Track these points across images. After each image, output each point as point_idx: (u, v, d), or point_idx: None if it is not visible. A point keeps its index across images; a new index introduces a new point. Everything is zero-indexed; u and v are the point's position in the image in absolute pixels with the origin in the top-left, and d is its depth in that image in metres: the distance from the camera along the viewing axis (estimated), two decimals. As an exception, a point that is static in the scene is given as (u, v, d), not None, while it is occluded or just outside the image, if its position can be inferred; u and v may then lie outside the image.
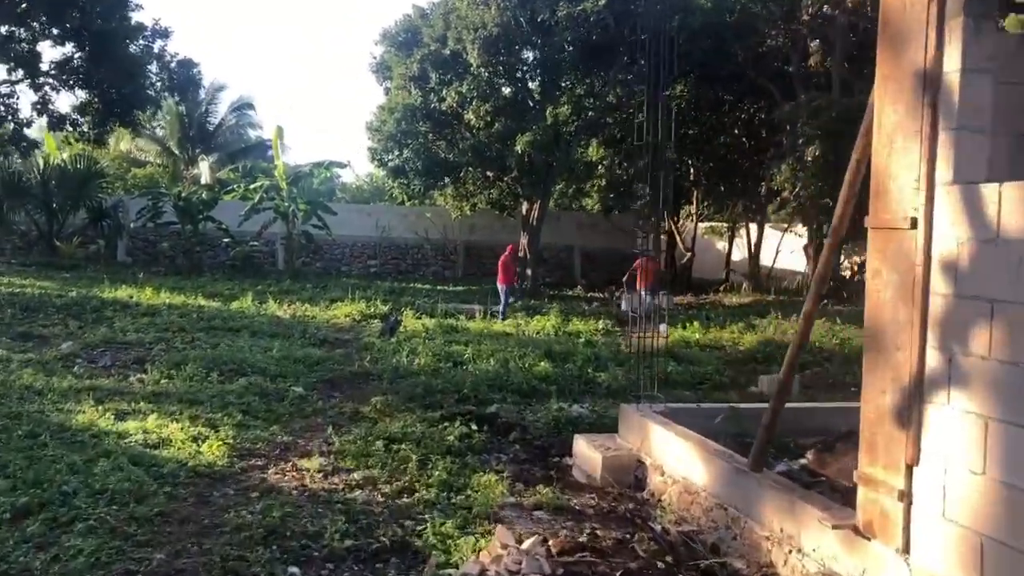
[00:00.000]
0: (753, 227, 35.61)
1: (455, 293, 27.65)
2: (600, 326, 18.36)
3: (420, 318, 19.40)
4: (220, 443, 7.49)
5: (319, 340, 14.61)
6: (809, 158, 22.65)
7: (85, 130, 28.03)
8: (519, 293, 27.62)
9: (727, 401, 9.09)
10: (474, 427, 8.01)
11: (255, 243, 31.50)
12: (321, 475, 6.92)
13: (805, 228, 33.18)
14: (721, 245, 37.60)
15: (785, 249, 33.80)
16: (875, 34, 4.88)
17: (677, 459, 6.49)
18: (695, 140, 32.59)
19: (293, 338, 14.91)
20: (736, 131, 33.13)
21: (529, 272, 28.74)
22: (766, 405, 5.94)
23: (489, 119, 25.97)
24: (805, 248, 30.46)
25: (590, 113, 27.58)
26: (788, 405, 5.94)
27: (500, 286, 21.32)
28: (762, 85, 27.10)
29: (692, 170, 33.65)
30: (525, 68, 28.01)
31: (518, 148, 25.35)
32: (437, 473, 6.89)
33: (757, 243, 31.90)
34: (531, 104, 28.03)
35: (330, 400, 9.87)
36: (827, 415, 7.56)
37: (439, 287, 29.71)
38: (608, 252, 36.11)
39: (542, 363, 11.49)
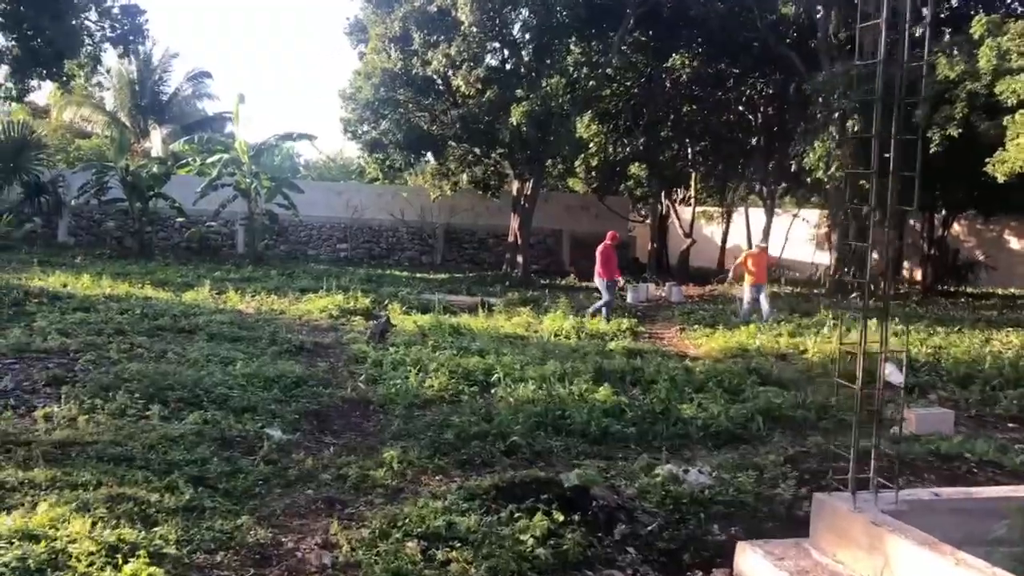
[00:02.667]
0: (753, 212, 33.15)
1: (437, 282, 24.74)
2: (624, 325, 15.57)
3: (409, 313, 16.53)
4: (151, 570, 4.44)
5: (294, 347, 11.63)
6: (848, 132, 20.04)
7: (5, 83, 24.25)
8: (510, 282, 24.81)
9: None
10: (559, 515, 5.15)
11: (212, 223, 28.23)
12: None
13: (817, 213, 30.88)
14: (709, 231, 34.97)
15: (786, 236, 31.34)
16: None
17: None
18: (694, 118, 29.95)
19: (261, 344, 11.92)
20: (741, 108, 30.53)
21: (520, 259, 25.87)
22: None
23: (480, 86, 22.98)
24: (827, 234, 27.97)
25: (591, 83, 24.72)
26: None
27: (600, 280, 18.04)
28: (782, 55, 24.40)
29: (689, 151, 30.96)
30: (517, 32, 25.01)
31: (512, 120, 22.42)
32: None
33: (766, 229, 29.28)
34: (523, 73, 25.09)
35: (322, 452, 6.93)
36: None
37: (418, 274, 26.83)
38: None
39: (600, 389, 8.65)
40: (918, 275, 27.74)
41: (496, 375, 9.42)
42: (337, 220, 31.32)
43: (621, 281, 17.43)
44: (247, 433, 7.21)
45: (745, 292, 17.75)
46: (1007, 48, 18.37)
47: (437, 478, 6.32)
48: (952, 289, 25.50)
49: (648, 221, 32.23)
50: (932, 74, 19.69)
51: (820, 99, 21.08)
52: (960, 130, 18.75)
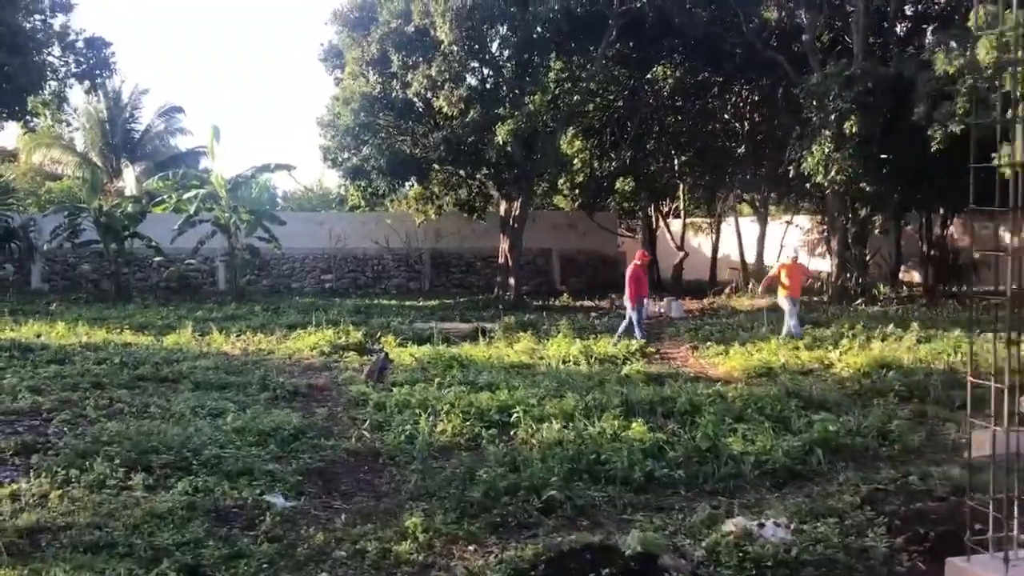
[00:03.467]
0: (744, 221, 32.53)
1: (428, 309, 23.87)
2: (634, 346, 14.77)
3: (405, 346, 15.67)
4: None
5: (288, 392, 10.74)
6: (846, 134, 19.42)
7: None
8: (503, 305, 23.98)
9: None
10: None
11: (191, 261, 27.30)
12: None
13: (812, 220, 30.27)
14: (697, 242, 34.21)
15: (781, 244, 30.71)
16: None
17: None
18: (679, 128, 29.34)
19: (251, 390, 11.03)
20: (726, 116, 29.95)
21: (512, 281, 25.05)
22: None
23: (463, 106, 22.23)
24: (819, 240, 27.34)
25: (575, 98, 24.04)
26: None
27: (629, 304, 16.21)
28: (769, 59, 23.82)
29: (676, 162, 30.30)
30: (498, 48, 24.31)
31: (499, 139, 21.67)
32: None
33: (760, 238, 28.65)
34: (505, 91, 24.41)
35: (333, 521, 6.04)
36: None
37: (407, 302, 25.94)
38: (586, 255, 32.69)
39: (633, 425, 7.80)
40: (915, 277, 27.17)
41: (516, 414, 8.55)
42: (320, 251, 30.44)
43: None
44: (245, 502, 6.32)
45: (786, 307, 16.25)
46: (1007, 40, 17.85)
47: (470, 548, 5.44)
48: (954, 290, 24.91)
49: (639, 236, 31.50)
50: (930, 70, 19.17)
51: (814, 102, 20.43)
52: (962, 126, 18.16)
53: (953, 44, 18.68)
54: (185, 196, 25.76)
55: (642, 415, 8.55)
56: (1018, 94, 14.83)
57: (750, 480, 6.67)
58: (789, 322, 15.86)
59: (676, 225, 32.70)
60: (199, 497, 6.33)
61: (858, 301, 22.08)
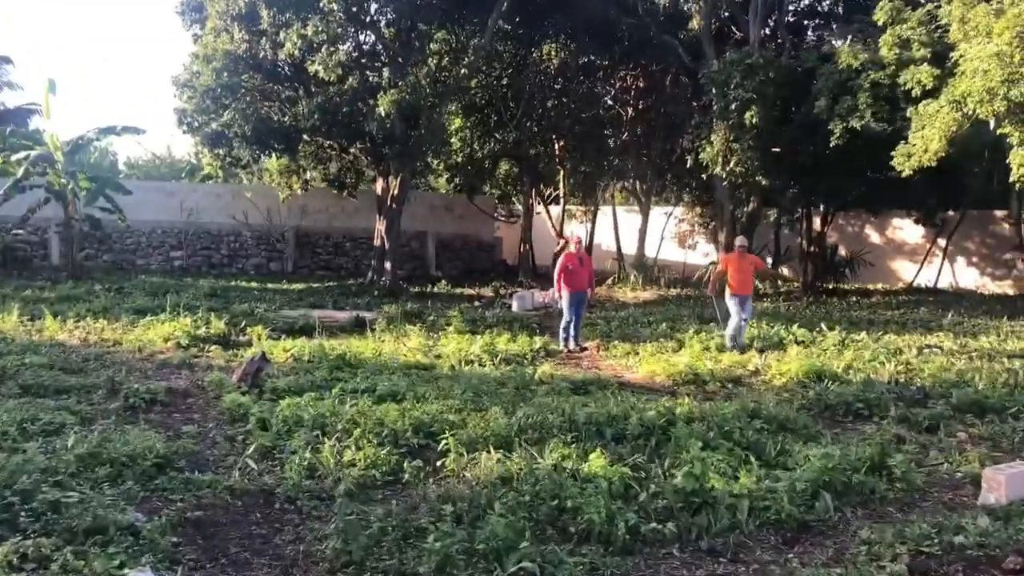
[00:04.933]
0: (621, 211, 31.87)
1: (295, 294, 21.82)
2: (537, 344, 13.45)
3: (277, 338, 13.78)
4: None
5: (143, 400, 8.75)
6: (746, 124, 18.74)
7: None
8: (378, 291, 22.21)
9: None
10: None
11: (19, 231, 24.11)
12: None
13: (691, 211, 29.86)
14: (569, 230, 33.17)
15: (662, 236, 30.28)
16: None
17: None
18: (561, 112, 28.20)
19: (97, 396, 8.99)
20: (610, 102, 29.06)
21: (388, 265, 23.27)
22: None
23: (341, 72, 20.23)
24: (714, 231, 26.77)
25: (462, 71, 22.44)
26: None
27: (558, 295, 14.18)
28: (663, 43, 22.99)
29: (556, 147, 29.16)
30: (379, 11, 22.40)
31: (380, 110, 19.84)
32: None
33: (642, 229, 27.96)
34: (387, 59, 22.57)
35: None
36: None
37: (269, 284, 23.75)
38: (463, 239, 31.23)
39: (591, 457, 6.34)
40: (786, 272, 27.16)
41: (442, 440, 6.98)
42: (170, 225, 27.64)
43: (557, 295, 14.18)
44: (95, 580, 4.52)
45: (731, 308, 13.67)
46: (907, 37, 17.56)
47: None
48: (830, 286, 24.99)
49: (521, 221, 30.25)
50: (832, 63, 18.74)
51: (714, 90, 19.66)
52: (863, 121, 17.79)
53: (857, 39, 18.26)
54: (13, 158, 22.51)
55: (588, 438, 7.19)
56: (917, 92, 14.14)
57: (752, 534, 5.42)
58: (731, 324, 13.56)
59: (555, 213, 31.65)
60: (25, 576, 4.48)
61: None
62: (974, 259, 26.81)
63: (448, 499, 5.71)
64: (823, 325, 15.13)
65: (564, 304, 13.91)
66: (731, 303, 13.72)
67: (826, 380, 10.18)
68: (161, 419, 8.29)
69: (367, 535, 5.08)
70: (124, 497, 5.79)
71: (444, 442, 6.91)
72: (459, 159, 28.47)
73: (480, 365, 11.65)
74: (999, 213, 25.58)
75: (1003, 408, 8.73)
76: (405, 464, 6.57)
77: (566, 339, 13.86)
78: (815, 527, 5.53)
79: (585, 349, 13.84)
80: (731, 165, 19.12)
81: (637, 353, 12.94)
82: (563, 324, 13.93)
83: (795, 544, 5.33)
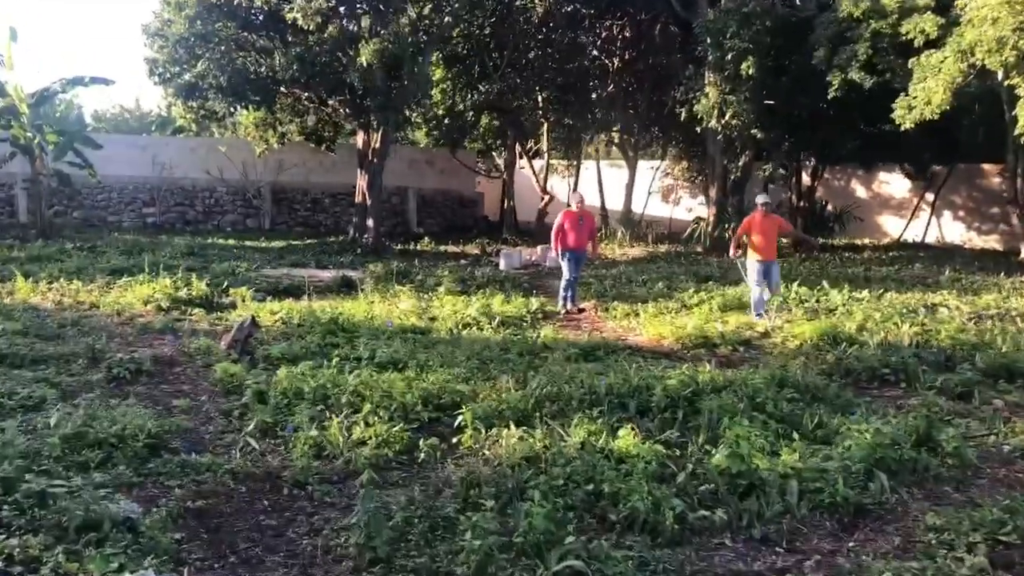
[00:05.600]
0: (605, 165, 31.27)
1: (275, 252, 21.17)
2: (534, 305, 12.96)
3: (262, 300, 13.21)
4: None
5: (128, 370, 8.16)
6: (743, 76, 18.16)
7: None
8: (361, 249, 21.60)
9: None
10: None
11: (-16, 187, 23.11)
12: None
13: (677, 166, 29.32)
14: (550, 185, 32.35)
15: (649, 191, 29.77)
16: None
17: None
18: (545, 63, 27.39)
19: (77, 366, 8.41)
20: (595, 52, 28.28)
21: (370, 222, 22.59)
22: None
23: (320, 20, 19.33)
24: (703, 186, 26.26)
25: (446, 19, 21.62)
26: None
27: (555, 255, 13.71)
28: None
29: (540, 98, 28.38)
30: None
31: (362, 60, 19.02)
32: None
33: (629, 184, 27.43)
34: (367, 7, 21.63)
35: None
36: None
37: (247, 242, 23.03)
38: (444, 195, 30.51)
39: (621, 433, 5.89)
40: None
41: (459, 416, 6.48)
42: (142, 180, 26.66)
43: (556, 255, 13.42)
44: (92, 590, 4.01)
45: (750, 272, 12.45)
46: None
47: None
48: (821, 242, 24.67)
49: (503, 176, 29.56)
50: (831, 11, 18.17)
51: (709, 39, 19.01)
52: (863, 73, 17.28)
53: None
54: (-26, 111, 21.50)
55: (611, 411, 6.73)
56: (920, 42, 13.53)
57: (804, 519, 5.00)
58: (754, 293, 12.32)
59: (538, 167, 30.94)
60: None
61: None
62: (961, 213, 26.56)
63: (473, 483, 5.22)
64: (825, 284, 14.76)
65: (563, 264, 13.39)
66: (753, 271, 12.32)
67: (842, 343, 9.77)
68: (148, 391, 7.73)
69: (390, 527, 4.59)
70: (116, 484, 5.26)
71: (460, 417, 6.40)
72: (440, 112, 27.67)
73: (479, 329, 11.16)
74: (987, 167, 25.28)
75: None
76: (420, 442, 6.07)
77: (565, 299, 13.38)
78: (872, 511, 5.10)
79: (583, 310, 13.38)
80: (727, 118, 18.55)
81: (638, 314, 12.48)
82: (563, 284, 13.44)
83: (854, 530, 4.91)
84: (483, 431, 6.25)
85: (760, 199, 12.86)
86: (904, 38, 16.72)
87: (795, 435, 6.15)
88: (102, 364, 8.32)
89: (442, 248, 23.74)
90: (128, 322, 11.27)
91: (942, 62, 15.83)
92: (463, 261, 20.60)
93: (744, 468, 5.30)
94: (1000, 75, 15.50)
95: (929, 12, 16.48)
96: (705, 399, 6.90)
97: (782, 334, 10.72)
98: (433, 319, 11.79)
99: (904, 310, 12.19)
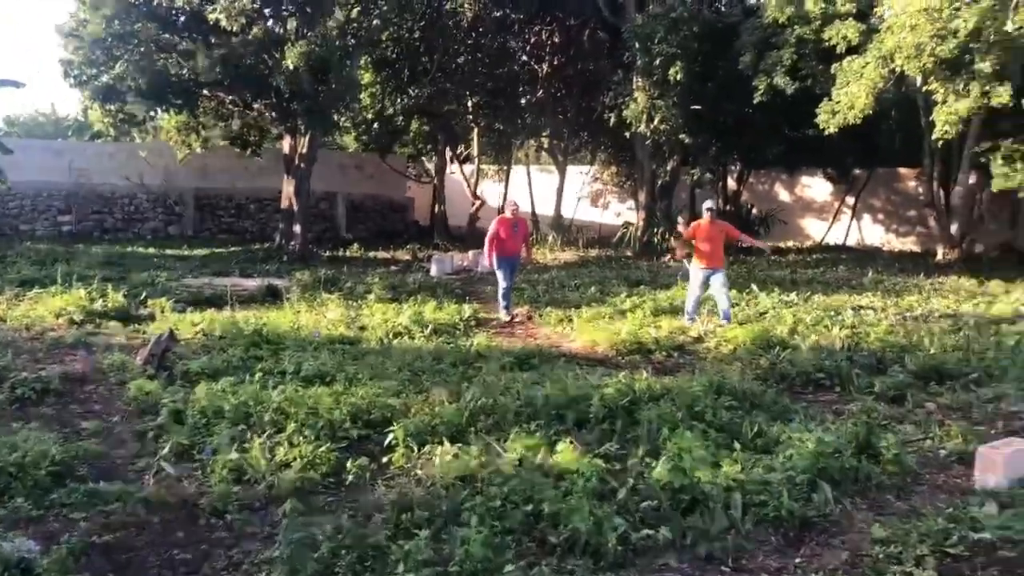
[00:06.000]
0: (535, 170, 31.25)
1: (197, 260, 20.50)
2: (466, 312, 12.73)
3: (182, 311, 12.68)
4: None
5: (34, 390, 7.66)
6: (671, 81, 18.23)
7: None
8: (287, 257, 21.07)
9: None
10: None
11: None
12: None
13: (606, 170, 29.41)
14: (481, 190, 32.12)
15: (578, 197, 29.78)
16: None
17: None
18: (475, 68, 27.19)
19: (-23, 385, 7.86)
20: (524, 58, 28.18)
21: (297, 229, 22.06)
22: None
23: (245, 21, 18.80)
24: (631, 191, 26.36)
25: (374, 22, 21.26)
26: None
27: (488, 263, 13.24)
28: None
29: (469, 103, 28.16)
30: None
31: (288, 63, 18.56)
32: None
33: (559, 188, 27.39)
34: (293, 8, 21.13)
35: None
36: None
37: (169, 250, 22.32)
38: (374, 200, 30.04)
39: (559, 447, 5.63)
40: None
41: (389, 434, 6.19)
42: (57, 187, 25.67)
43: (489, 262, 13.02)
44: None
45: (692, 279, 12.09)
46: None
47: None
48: (747, 246, 24.94)
49: (434, 181, 29.24)
50: (758, 16, 18.37)
51: (637, 44, 19.04)
52: (788, 78, 17.50)
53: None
54: None
55: (548, 424, 6.53)
56: (842, 48, 13.73)
57: (748, 534, 4.86)
58: (690, 298, 12.10)
59: (468, 172, 30.70)
60: None
61: (666, 257, 21.28)
62: (880, 216, 27.22)
63: (405, 507, 4.95)
64: (754, 287, 14.85)
65: (497, 272, 13.14)
66: (695, 278, 11.94)
67: (775, 347, 9.75)
68: (56, 413, 7.26)
69: (315, 559, 4.30)
70: (13, 520, 4.84)
71: (391, 435, 6.11)
72: (370, 116, 27.24)
73: (410, 338, 10.87)
74: (905, 171, 25.93)
75: (961, 374, 8.45)
76: (348, 463, 5.77)
77: (506, 307, 13.15)
78: (818, 523, 4.99)
79: (516, 316, 13.18)
80: (655, 123, 18.60)
81: (571, 320, 12.34)
82: (500, 291, 13.20)
83: (800, 545, 4.79)
84: (415, 449, 5.99)
85: (707, 204, 12.42)
86: (827, 44, 16.99)
87: (736, 444, 6.03)
88: (5, 384, 7.78)
89: (372, 254, 23.34)
90: (38, 337, 10.68)
91: (864, 68, 16.11)
92: (394, 267, 20.26)
93: (686, 482, 5.15)
94: (919, 81, 15.83)
95: (851, 19, 16.77)
96: (643, 408, 6.76)
97: (715, 338, 10.68)
98: (363, 328, 11.45)
99: (833, 312, 12.29)
